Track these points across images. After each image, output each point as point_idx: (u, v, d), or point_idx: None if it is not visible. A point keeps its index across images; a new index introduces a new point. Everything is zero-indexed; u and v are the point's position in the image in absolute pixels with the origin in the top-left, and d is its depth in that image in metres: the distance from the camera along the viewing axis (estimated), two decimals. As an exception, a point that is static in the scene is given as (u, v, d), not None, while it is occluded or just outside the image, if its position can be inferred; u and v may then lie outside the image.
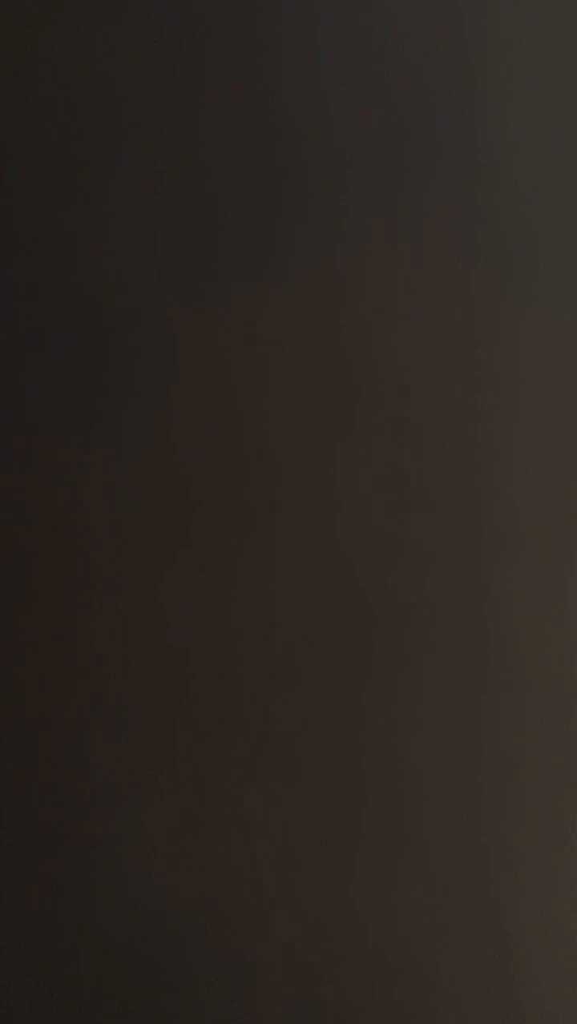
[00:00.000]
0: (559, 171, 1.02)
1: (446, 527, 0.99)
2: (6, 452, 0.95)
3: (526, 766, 0.99)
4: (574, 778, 1.00)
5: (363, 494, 0.98)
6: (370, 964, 0.98)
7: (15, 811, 0.94)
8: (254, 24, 0.98)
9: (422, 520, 0.99)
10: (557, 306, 1.01)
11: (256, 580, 0.97)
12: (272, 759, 0.96)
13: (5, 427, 0.95)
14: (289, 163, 0.98)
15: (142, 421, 0.96)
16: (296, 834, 0.97)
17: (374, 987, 0.97)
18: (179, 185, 0.97)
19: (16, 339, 0.95)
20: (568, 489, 1.01)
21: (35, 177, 0.95)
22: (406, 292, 0.99)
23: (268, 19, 0.98)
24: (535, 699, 1.00)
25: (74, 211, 0.96)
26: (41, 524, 0.95)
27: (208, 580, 0.96)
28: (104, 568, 0.95)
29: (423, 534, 0.99)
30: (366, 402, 0.99)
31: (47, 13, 0.96)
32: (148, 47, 0.97)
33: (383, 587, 0.98)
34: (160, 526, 0.96)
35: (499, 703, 0.99)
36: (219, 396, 0.97)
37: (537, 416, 1.01)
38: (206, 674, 0.96)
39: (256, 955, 0.96)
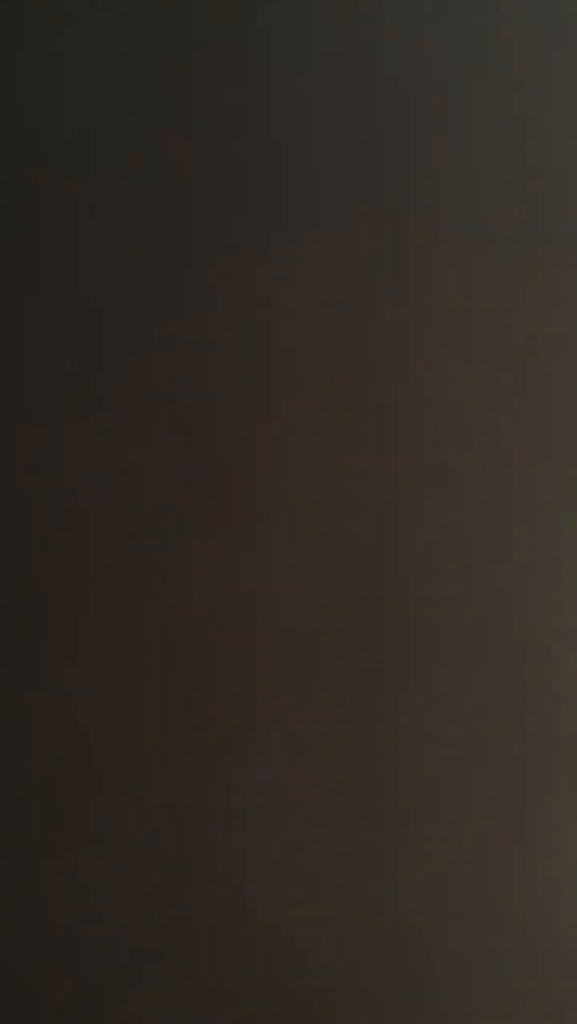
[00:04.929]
0: (562, 156, 1.02)
1: (449, 513, 0.99)
2: (6, 438, 0.95)
3: (539, 751, 0.99)
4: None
5: (366, 479, 0.98)
6: (372, 959, 0.97)
7: (12, 801, 0.94)
8: (248, 20, 0.99)
9: (426, 504, 0.99)
10: (558, 288, 1.01)
11: (260, 566, 0.97)
12: (277, 749, 0.96)
13: (5, 413, 0.95)
14: (286, 143, 0.99)
15: (143, 407, 0.96)
16: (302, 825, 0.96)
17: (377, 982, 0.97)
18: (178, 168, 0.98)
19: (16, 324, 0.96)
20: (568, 478, 1.01)
21: (35, 160, 0.96)
22: (403, 276, 1.00)
23: (262, 16, 0.99)
24: (537, 686, 0.99)
25: (74, 200, 0.96)
26: (41, 512, 0.95)
27: (212, 566, 0.96)
28: (106, 555, 0.95)
29: (428, 519, 0.99)
30: (366, 383, 0.99)
31: (48, 15, 0.97)
32: (149, 43, 0.98)
33: (387, 573, 0.98)
34: (163, 513, 0.96)
35: (504, 691, 0.99)
36: (220, 380, 0.97)
37: (539, 397, 1.01)
38: (210, 663, 0.96)
39: (258, 948, 0.96)
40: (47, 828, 0.94)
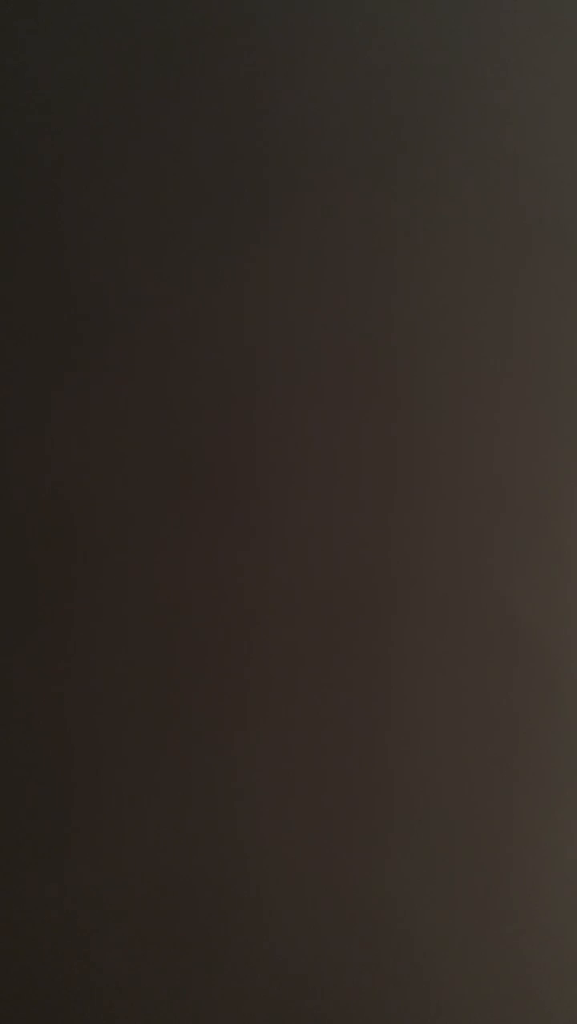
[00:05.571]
0: (557, 141, 1.02)
1: (444, 500, 0.99)
2: None
3: (536, 744, 0.99)
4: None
5: (361, 468, 0.98)
6: (372, 946, 0.97)
7: (6, 793, 0.94)
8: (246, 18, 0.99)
9: (419, 493, 0.99)
10: (555, 273, 1.01)
11: (253, 551, 0.97)
12: (272, 740, 0.96)
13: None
14: (278, 130, 0.99)
15: (136, 387, 0.96)
16: (298, 814, 0.96)
17: (374, 976, 0.97)
18: (167, 150, 0.98)
19: (9, 305, 0.95)
20: (567, 470, 1.01)
21: (29, 149, 0.96)
22: (399, 265, 1.00)
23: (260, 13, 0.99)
24: (535, 679, 0.99)
25: (59, 178, 0.96)
26: (34, 493, 0.95)
27: (204, 549, 0.96)
28: (98, 538, 0.95)
29: (425, 509, 0.99)
30: (360, 370, 0.99)
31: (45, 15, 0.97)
32: (139, 22, 0.98)
33: (380, 559, 0.98)
34: (156, 497, 0.96)
35: (501, 684, 0.99)
36: (215, 361, 0.97)
37: (536, 391, 1.01)
38: (203, 648, 0.96)
39: (256, 937, 0.96)
40: (40, 817, 0.94)
